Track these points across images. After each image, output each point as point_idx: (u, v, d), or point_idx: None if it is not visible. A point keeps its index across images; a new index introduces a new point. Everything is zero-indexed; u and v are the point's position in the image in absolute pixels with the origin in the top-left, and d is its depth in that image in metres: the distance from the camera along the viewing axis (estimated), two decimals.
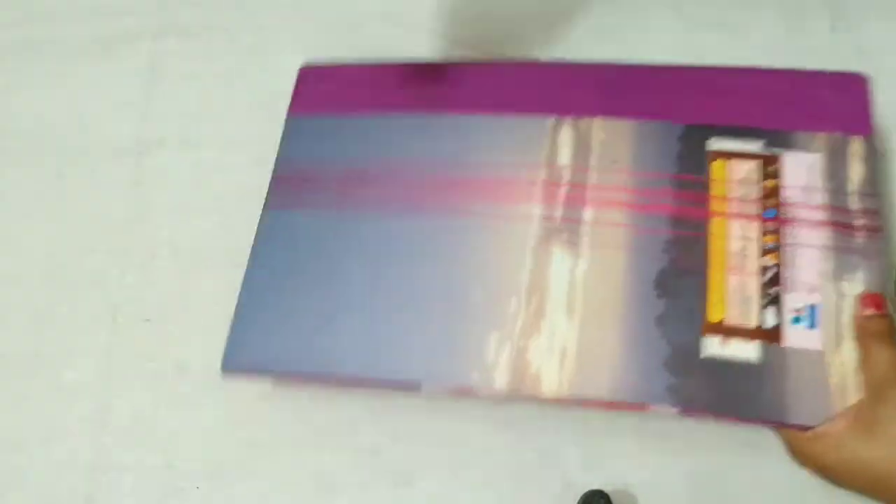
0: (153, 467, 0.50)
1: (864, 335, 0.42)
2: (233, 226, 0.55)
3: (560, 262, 0.46)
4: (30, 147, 0.60)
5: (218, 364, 0.50)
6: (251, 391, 0.51)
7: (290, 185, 0.51)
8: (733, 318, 0.44)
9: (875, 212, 0.45)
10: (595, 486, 0.47)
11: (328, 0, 0.64)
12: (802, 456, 0.41)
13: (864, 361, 0.41)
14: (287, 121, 0.53)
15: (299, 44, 0.61)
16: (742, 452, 0.48)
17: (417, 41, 0.59)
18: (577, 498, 0.47)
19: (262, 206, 0.51)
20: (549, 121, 0.49)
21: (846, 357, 0.42)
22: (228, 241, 0.55)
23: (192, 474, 0.50)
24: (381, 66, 0.54)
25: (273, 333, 0.47)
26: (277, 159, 0.52)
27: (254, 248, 0.50)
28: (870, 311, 0.42)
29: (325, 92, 0.54)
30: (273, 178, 0.52)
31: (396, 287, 0.47)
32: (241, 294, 0.49)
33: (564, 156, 0.48)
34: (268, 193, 0.51)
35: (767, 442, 0.45)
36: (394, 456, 0.50)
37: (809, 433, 0.40)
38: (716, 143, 0.47)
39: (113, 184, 0.58)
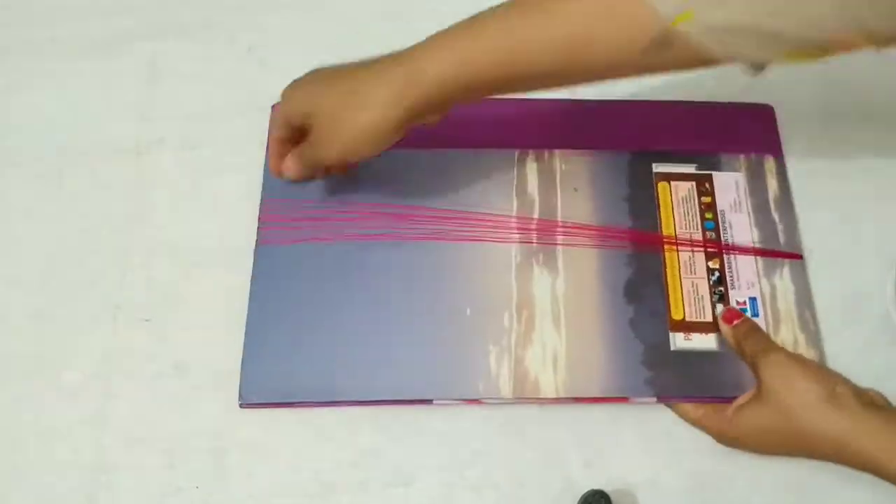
0: (153, 467, 0.50)
1: (740, 342, 0.49)
2: (232, 226, 0.56)
3: (540, 280, 0.53)
4: (30, 147, 0.60)
5: (217, 364, 0.51)
6: None
7: (277, 220, 0.54)
8: (692, 314, 0.52)
9: (790, 220, 0.55)
10: (595, 486, 0.47)
11: (328, 0, 0.64)
12: (728, 442, 0.47)
13: (756, 363, 0.47)
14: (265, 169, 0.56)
15: (299, 44, 0.62)
16: (742, 452, 0.48)
17: (417, 41, 0.59)
18: (577, 498, 0.47)
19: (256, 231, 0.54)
20: (515, 153, 0.57)
21: (785, 336, 0.51)
22: (228, 241, 0.55)
23: (192, 474, 0.50)
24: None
25: (283, 367, 0.50)
26: (262, 198, 0.55)
27: (252, 283, 0.53)
28: (735, 321, 0.50)
29: None
30: (260, 213, 0.55)
31: (395, 312, 0.52)
32: (246, 330, 0.51)
33: (532, 185, 0.56)
34: (258, 230, 0.54)
35: None
36: (394, 456, 0.50)
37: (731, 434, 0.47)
38: (659, 167, 0.56)
39: (113, 184, 0.58)
